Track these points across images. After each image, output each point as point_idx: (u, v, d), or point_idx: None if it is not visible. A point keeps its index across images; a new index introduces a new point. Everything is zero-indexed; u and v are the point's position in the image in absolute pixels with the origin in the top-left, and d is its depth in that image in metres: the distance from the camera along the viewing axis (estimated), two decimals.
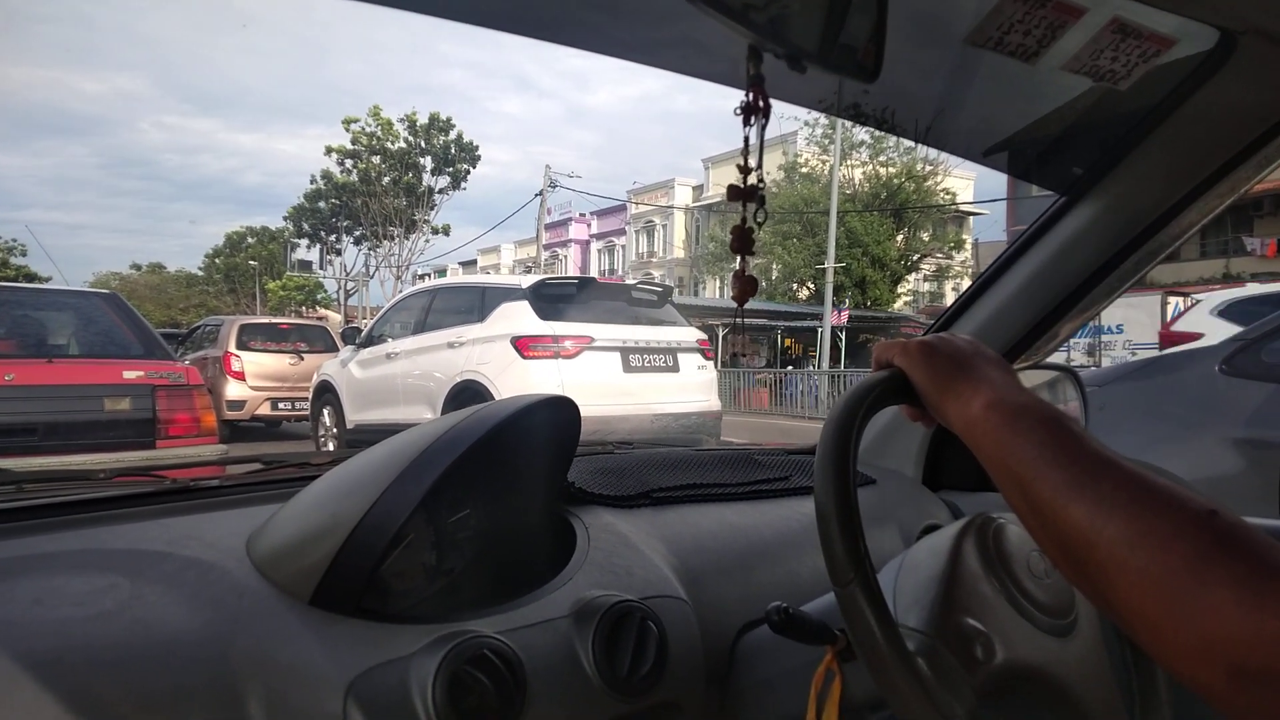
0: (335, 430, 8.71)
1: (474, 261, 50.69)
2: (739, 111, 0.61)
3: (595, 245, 45.79)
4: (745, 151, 0.62)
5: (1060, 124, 1.07)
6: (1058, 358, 1.75)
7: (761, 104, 0.60)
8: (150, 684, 0.65)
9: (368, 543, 0.74)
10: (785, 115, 27.37)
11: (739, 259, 0.62)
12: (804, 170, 27.44)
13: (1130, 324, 16.73)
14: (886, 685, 0.66)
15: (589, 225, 45.71)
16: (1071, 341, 16.94)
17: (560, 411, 0.93)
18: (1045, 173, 1.11)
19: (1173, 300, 17.10)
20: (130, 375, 4.36)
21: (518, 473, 1.00)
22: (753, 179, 0.60)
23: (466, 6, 0.86)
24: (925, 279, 30.13)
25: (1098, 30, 0.86)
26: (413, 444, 0.81)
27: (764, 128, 0.60)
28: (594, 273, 41.84)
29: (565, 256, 45.63)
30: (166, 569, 0.77)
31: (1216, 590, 0.47)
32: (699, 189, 38.81)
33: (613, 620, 0.80)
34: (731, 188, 0.60)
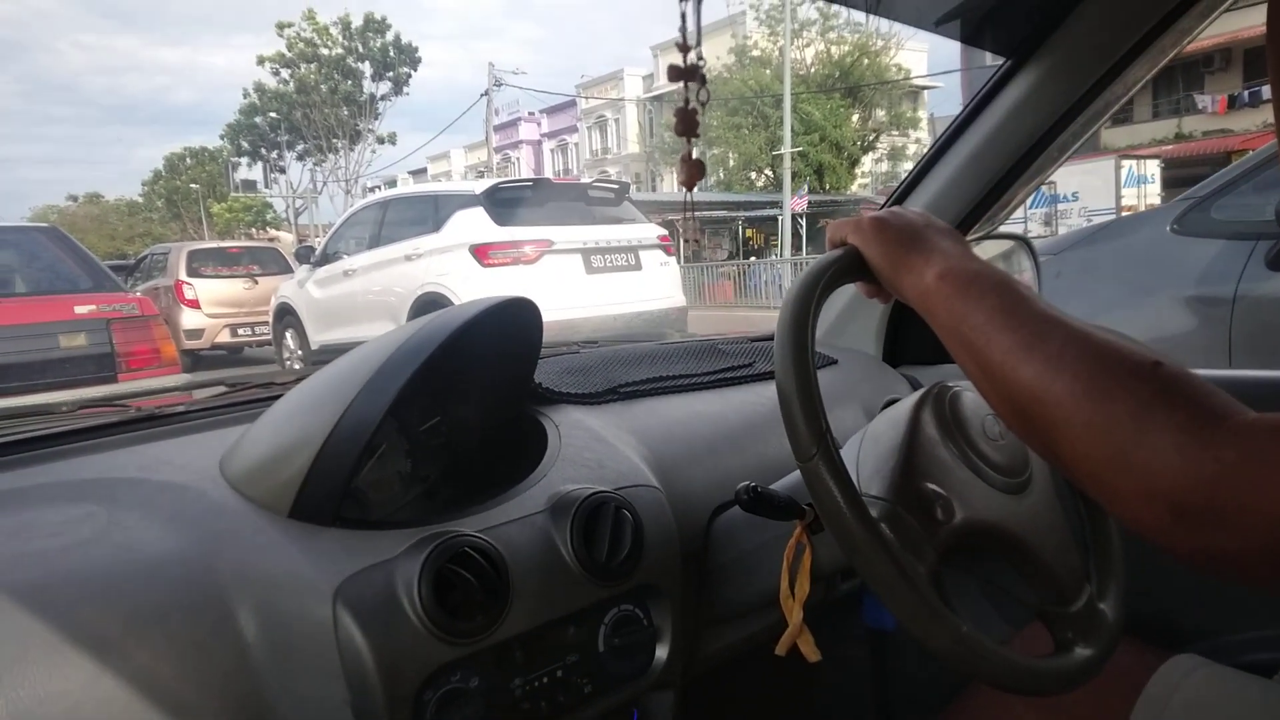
0: (300, 352, 8.62)
1: (424, 170, 49.44)
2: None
3: (548, 145, 44.72)
4: (684, 28, 0.60)
5: None
6: (1015, 229, 1.77)
7: None
8: (137, 604, 0.66)
9: (341, 453, 0.75)
10: None
11: (686, 142, 0.61)
12: (754, 53, 26.77)
13: (1085, 190, 16.83)
14: (852, 552, 0.69)
15: (539, 124, 44.55)
16: (1029, 211, 17.06)
17: (520, 312, 0.93)
18: (994, 36, 1.10)
19: (1126, 164, 17.21)
20: (82, 310, 4.25)
21: (484, 376, 1.00)
22: (693, 57, 0.59)
23: None
24: (881, 159, 29.91)
25: None
26: (376, 353, 0.81)
27: (700, 2, 0.59)
28: (548, 174, 41.01)
29: (518, 159, 44.58)
30: (142, 494, 0.78)
31: (1159, 437, 0.49)
32: (649, 79, 37.80)
33: (588, 511, 0.83)
34: (672, 68, 0.59)
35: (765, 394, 1.19)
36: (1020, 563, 0.81)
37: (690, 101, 0.59)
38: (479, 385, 1.02)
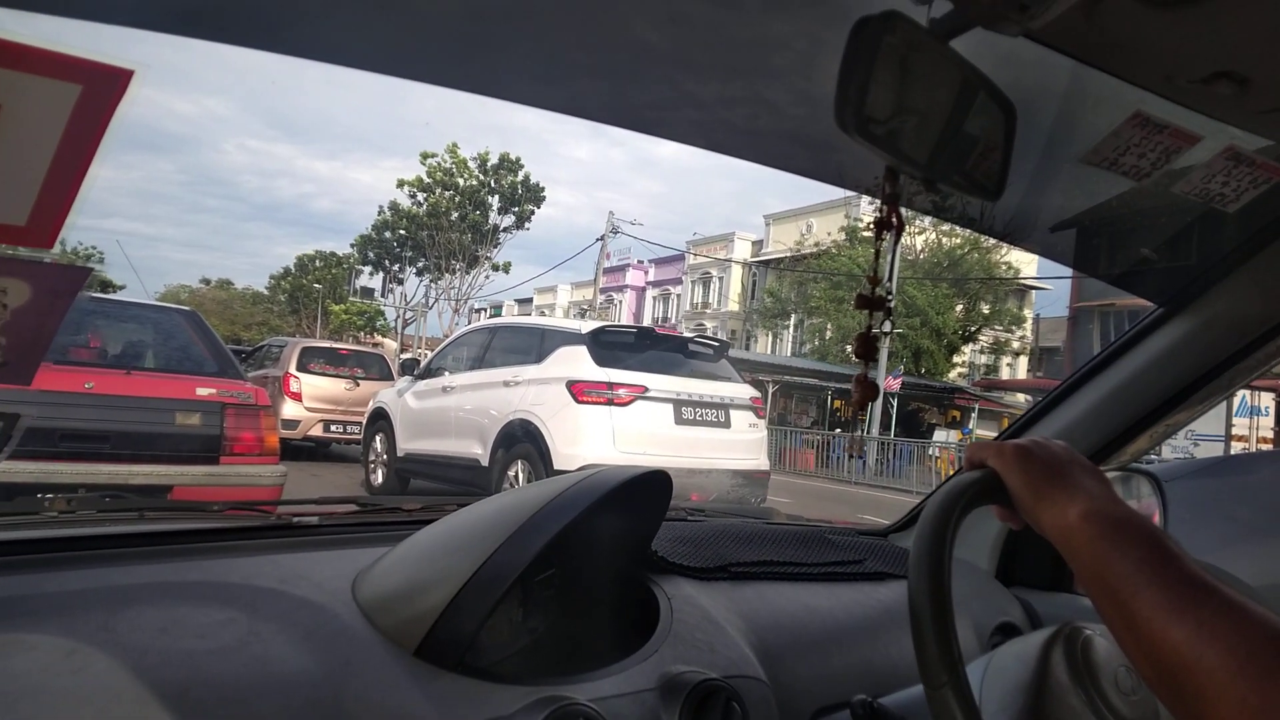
0: (385, 457, 8.85)
1: (530, 300, 51.36)
2: (870, 226, 0.64)
3: (651, 292, 46.08)
4: (876, 263, 0.65)
5: (1162, 235, 1.09)
6: None
7: (895, 221, 0.63)
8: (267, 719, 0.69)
9: (476, 600, 0.78)
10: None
11: (864, 365, 0.65)
12: (866, 234, 27.39)
13: None
14: None
15: (646, 272, 46.08)
16: None
17: (654, 485, 0.96)
18: (1146, 284, 1.13)
19: (1240, 393, 16.61)
20: (203, 392, 4.48)
21: (606, 537, 1.02)
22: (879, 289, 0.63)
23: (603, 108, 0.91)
24: (982, 351, 29.68)
25: (1212, 157, 0.87)
26: (524, 505, 0.84)
27: (897, 242, 0.63)
28: (648, 319, 42.08)
29: (620, 301, 46.00)
30: (280, 607, 0.81)
31: None
32: (758, 244, 38.96)
33: (699, 698, 0.82)
34: (860, 296, 0.64)
35: (875, 595, 1.18)
36: None
37: (873, 328, 0.63)
38: (600, 545, 1.04)
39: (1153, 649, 0.57)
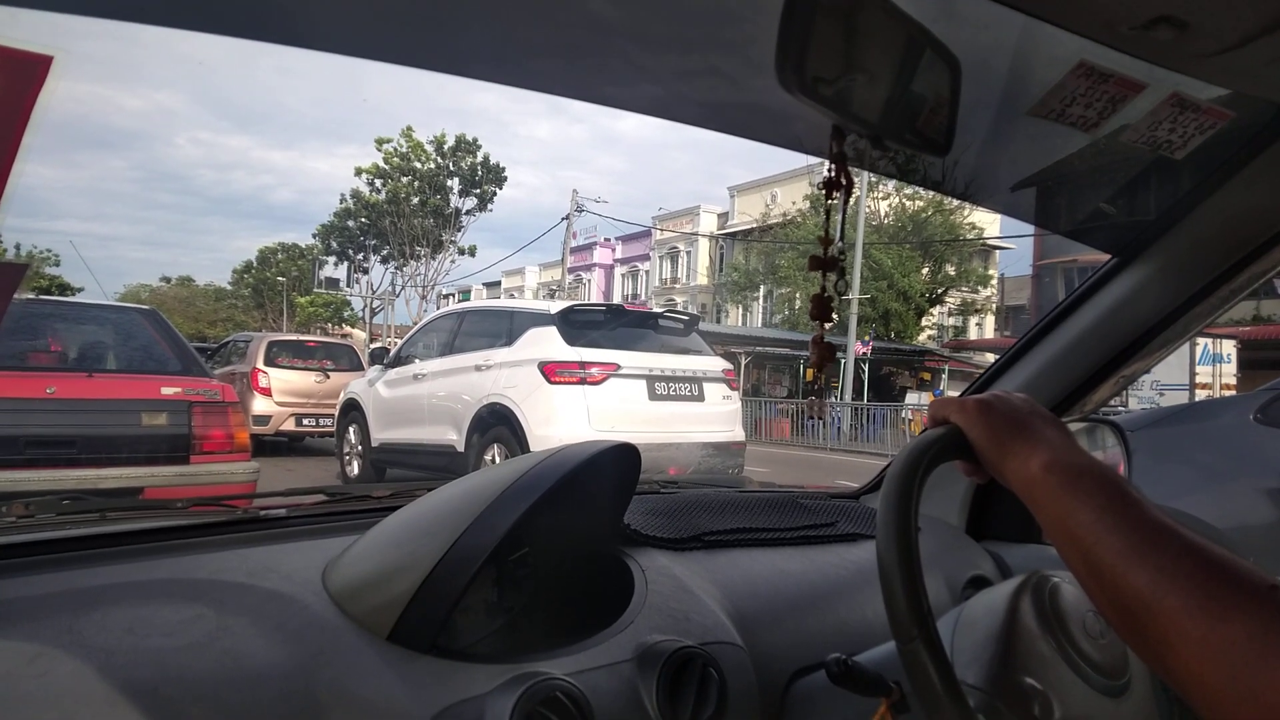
0: (360, 448, 8.79)
1: (498, 283, 51.05)
2: (821, 186, 0.64)
3: (619, 270, 45.97)
4: (827, 223, 0.64)
5: (1114, 187, 1.10)
6: None
7: (844, 180, 0.63)
8: (240, 714, 0.68)
9: (447, 581, 0.77)
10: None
11: (820, 325, 0.65)
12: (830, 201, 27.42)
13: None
14: None
15: (613, 250, 45.94)
16: None
17: (623, 458, 0.96)
18: (1101, 236, 1.14)
19: (1201, 341, 16.93)
20: (168, 391, 4.43)
21: (580, 515, 1.02)
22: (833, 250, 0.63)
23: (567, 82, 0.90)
24: (950, 313, 29.97)
25: (1157, 104, 0.88)
26: (490, 485, 0.84)
27: (846, 202, 0.63)
28: (617, 297, 42.03)
29: (589, 280, 45.85)
30: (249, 601, 0.80)
31: (1278, 663, 0.49)
32: (724, 216, 38.96)
33: (675, 666, 0.83)
34: (813, 258, 0.63)
35: (848, 556, 1.19)
36: None
37: (827, 290, 0.63)
38: (572, 521, 1.04)
39: (1116, 594, 0.58)
